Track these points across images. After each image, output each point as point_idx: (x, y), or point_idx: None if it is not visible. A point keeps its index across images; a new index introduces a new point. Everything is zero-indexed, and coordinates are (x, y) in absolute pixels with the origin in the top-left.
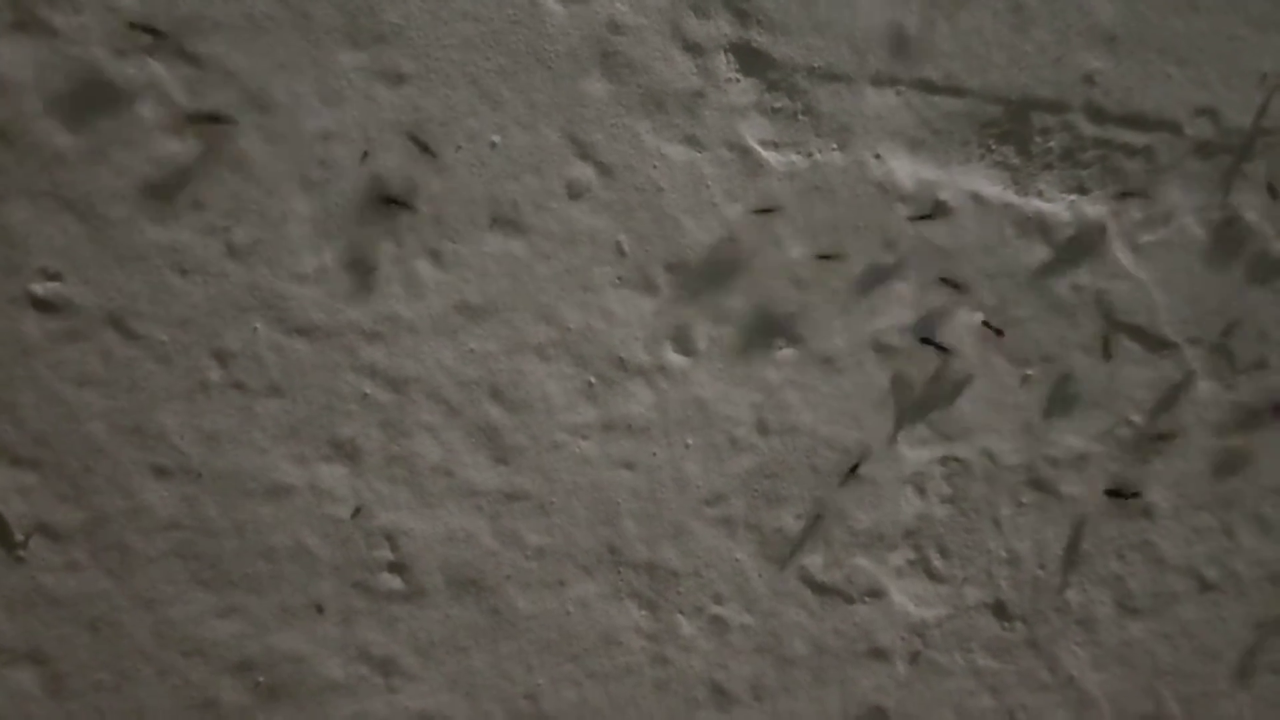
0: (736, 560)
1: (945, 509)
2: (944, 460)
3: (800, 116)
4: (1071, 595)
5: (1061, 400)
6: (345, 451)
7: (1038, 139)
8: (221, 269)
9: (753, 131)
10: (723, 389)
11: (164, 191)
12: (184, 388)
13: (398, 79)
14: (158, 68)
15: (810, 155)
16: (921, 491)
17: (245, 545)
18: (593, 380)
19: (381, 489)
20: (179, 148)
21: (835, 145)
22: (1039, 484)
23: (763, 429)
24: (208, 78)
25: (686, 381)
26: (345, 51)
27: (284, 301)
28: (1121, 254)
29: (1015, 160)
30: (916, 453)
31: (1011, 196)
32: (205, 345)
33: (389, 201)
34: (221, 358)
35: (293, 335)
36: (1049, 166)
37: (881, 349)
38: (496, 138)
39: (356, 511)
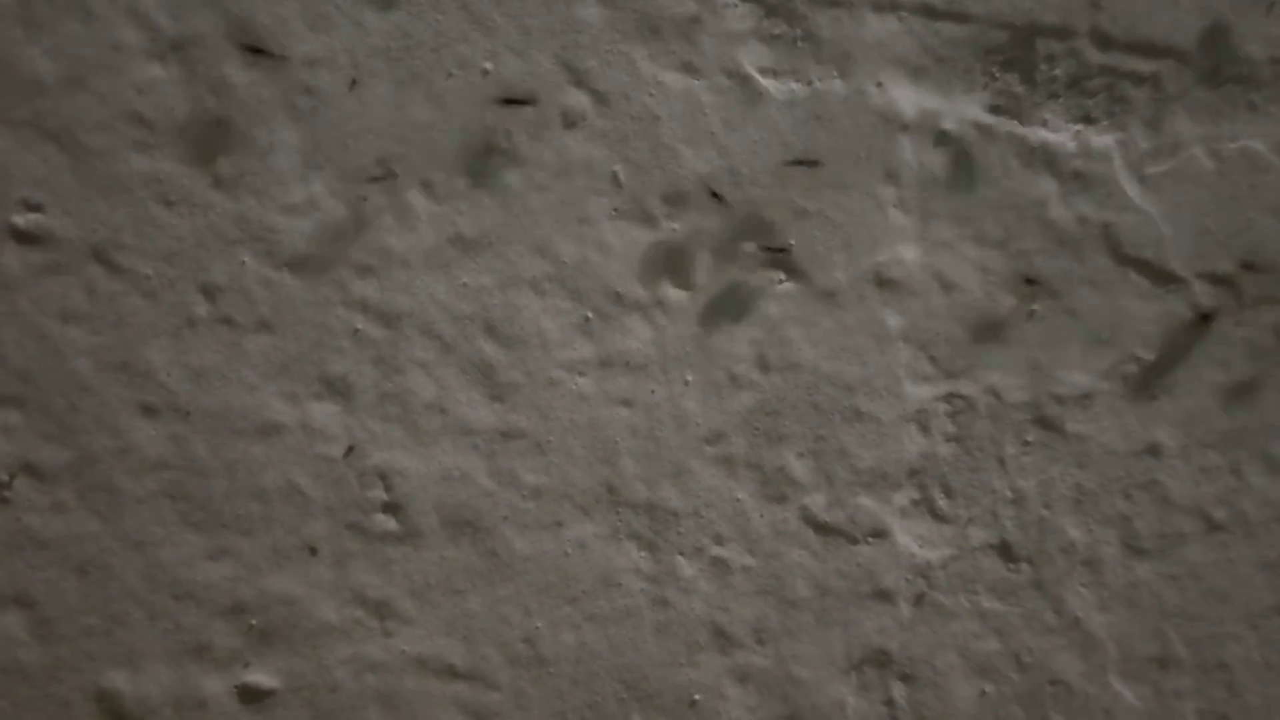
0: (737, 500)
1: (949, 447)
2: (948, 397)
3: (799, 43)
4: (1077, 535)
5: (1068, 336)
6: (337, 389)
7: (1043, 67)
8: (207, 200)
9: (751, 58)
10: (722, 324)
11: (147, 120)
12: (171, 323)
13: (386, 4)
14: None
15: (810, 83)
16: (925, 429)
17: (236, 486)
18: (589, 315)
19: (374, 427)
20: (161, 73)
21: (835, 73)
22: (1044, 422)
23: (763, 365)
24: (188, 1)
25: (685, 317)
26: None
27: (272, 234)
28: (1128, 185)
29: (1020, 89)
30: (920, 390)
31: (1016, 126)
32: (192, 279)
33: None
34: (209, 292)
35: (282, 269)
36: (1054, 95)
37: (883, 283)
38: (488, 64)
39: (349, 450)
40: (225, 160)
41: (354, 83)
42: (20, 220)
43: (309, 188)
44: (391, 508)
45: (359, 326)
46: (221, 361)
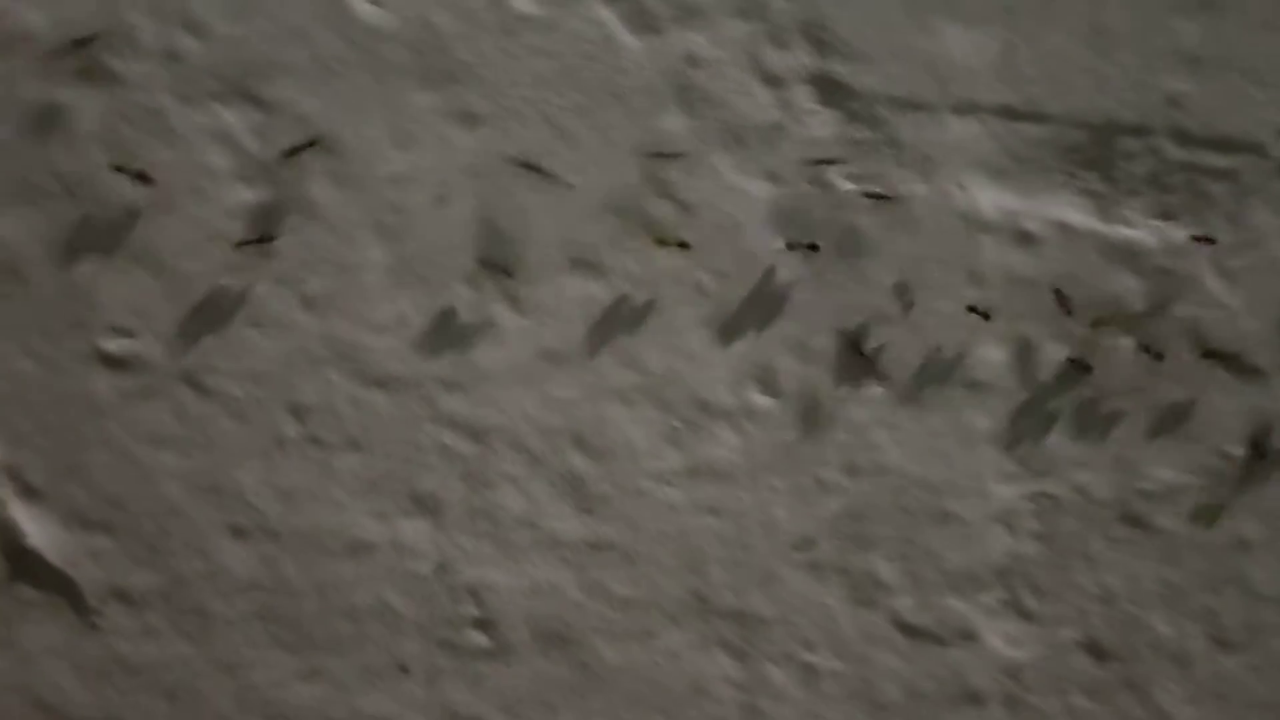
0: (826, 605)
1: (1036, 546)
2: (1034, 496)
3: (882, 148)
4: (1164, 630)
5: (1153, 432)
6: (426, 505)
7: (1122, 164)
8: (296, 320)
9: (834, 165)
10: (809, 430)
11: (236, 243)
12: (260, 444)
13: (471, 120)
14: (226, 114)
15: (893, 187)
16: (1012, 529)
17: (327, 605)
18: (677, 425)
19: (464, 543)
20: (249, 195)
21: (918, 176)
22: (1131, 518)
23: (851, 470)
24: (277, 123)
25: (772, 423)
26: (417, 92)
27: (360, 352)
28: (1210, 280)
29: (1100, 186)
30: (1006, 489)
31: (1097, 224)
32: (281, 400)
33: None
34: (298, 412)
35: (370, 387)
36: (1134, 192)
37: (970, 385)
38: (574, 178)
39: (439, 567)
40: (314, 280)
41: (441, 199)
42: (110, 345)
43: (396, 305)
44: (482, 623)
45: (448, 442)
46: (311, 481)
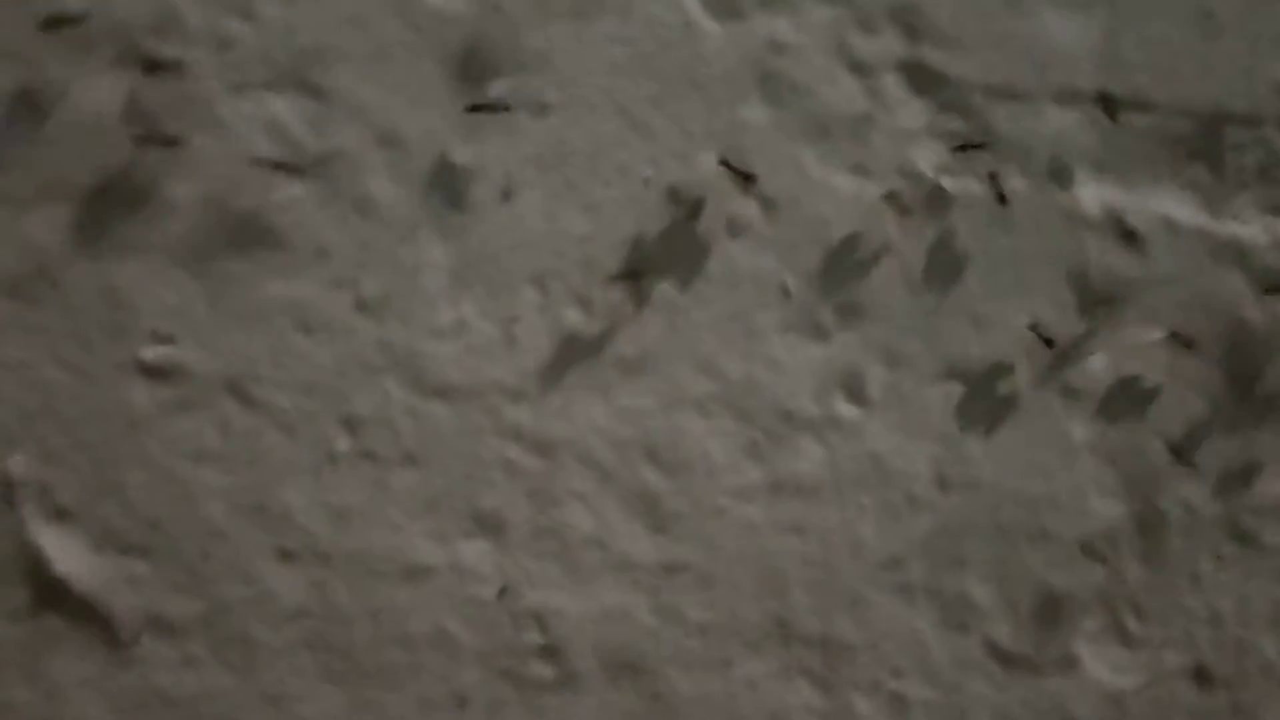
0: (916, 630)
1: (1139, 567)
2: (1137, 513)
3: (978, 139)
4: (1276, 654)
5: (1265, 442)
6: (489, 525)
7: (1231, 156)
8: (349, 325)
9: (926, 157)
10: (899, 442)
11: (285, 241)
12: (310, 460)
13: (540, 109)
14: (278, 103)
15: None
16: (1114, 548)
17: (380, 633)
18: (757, 437)
19: (529, 565)
20: (300, 191)
21: (1015, 169)
22: (1241, 535)
23: (942, 485)
24: (332, 113)
25: (860, 435)
26: (483, 81)
27: (419, 360)
28: None
29: (1207, 180)
30: (1108, 506)
31: (1205, 220)
32: (333, 411)
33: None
34: (351, 425)
35: (429, 397)
36: (1244, 186)
37: (1069, 393)
38: (649, 171)
39: (503, 591)
40: (369, 282)
41: (507, 194)
42: (149, 354)
43: (458, 309)
44: (548, 651)
45: (512, 456)
46: (364, 500)
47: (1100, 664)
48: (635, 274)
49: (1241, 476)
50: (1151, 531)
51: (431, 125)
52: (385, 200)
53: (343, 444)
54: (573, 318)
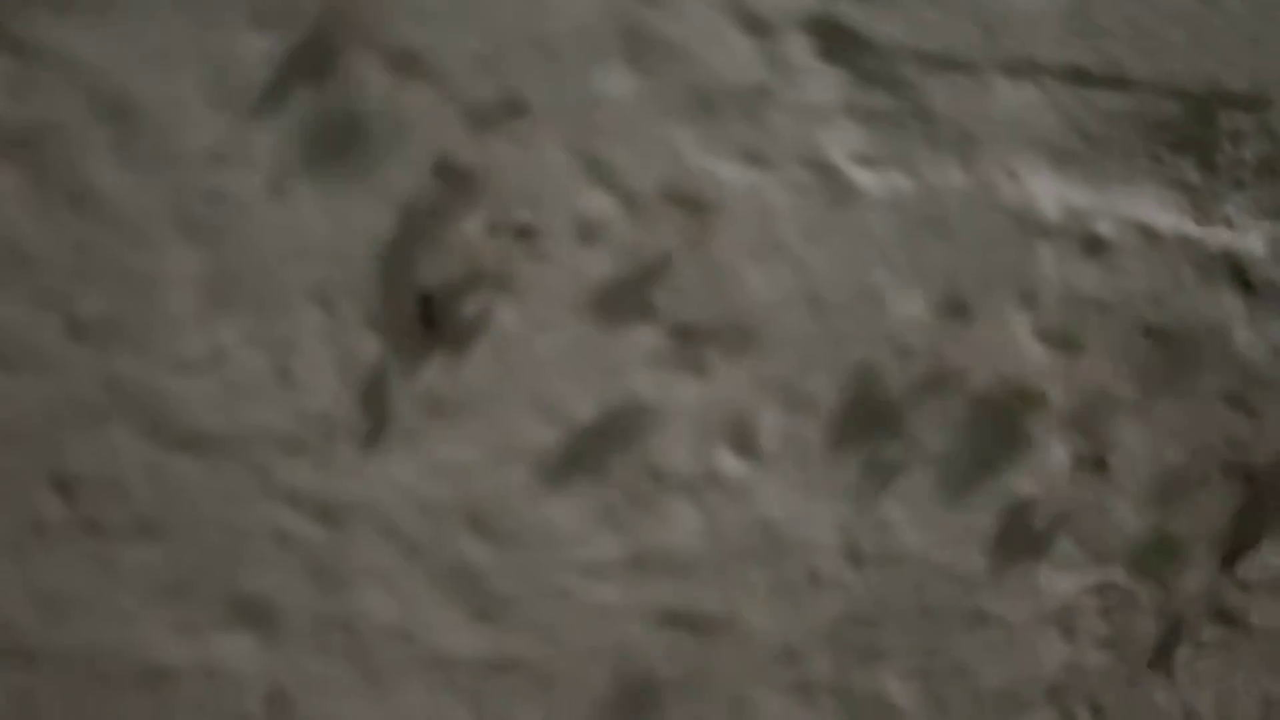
0: None
1: (1101, 655)
2: (1099, 589)
3: (907, 120)
4: None
5: (1256, 502)
6: (254, 614)
7: (1226, 146)
8: (62, 356)
9: (839, 142)
10: (798, 504)
11: None
12: (10, 531)
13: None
14: None
15: (919, 175)
16: (1069, 632)
17: None
18: (615, 499)
19: (309, 665)
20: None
21: (954, 160)
22: (1224, 615)
23: (854, 558)
24: (39, 75)
25: (748, 496)
26: (248, 32)
27: (159, 401)
28: None
29: (1195, 176)
30: (1061, 580)
31: (1190, 226)
32: (41, 469)
33: None
34: (65, 486)
35: (174, 450)
36: (1240, 184)
37: (1014, 442)
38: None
39: (272, 700)
40: (89, 299)
41: (278, 185)
42: None
43: (213, 335)
44: None
45: (286, 526)
46: (84, 583)
47: None
48: (452, 289)
49: (1226, 543)
50: (1115, 612)
51: (176, 92)
52: (111, 190)
53: (54, 510)
54: (368, 345)
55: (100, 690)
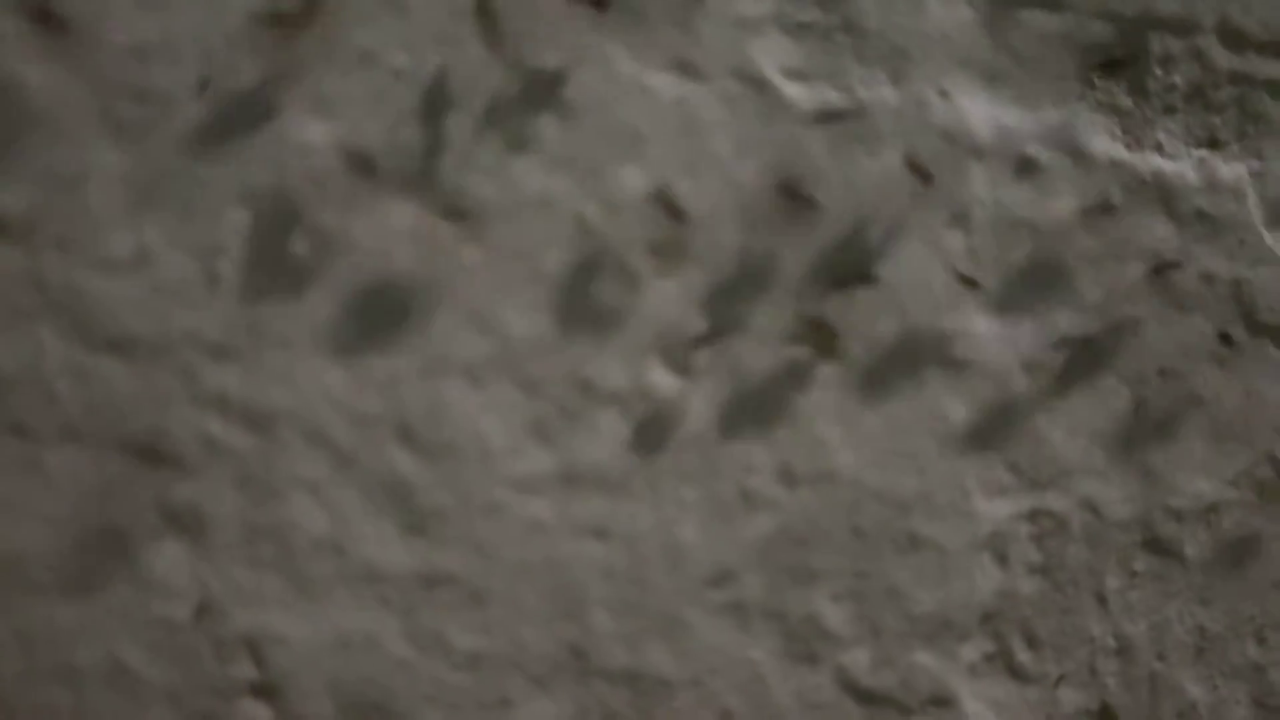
0: (751, 661)
1: (1034, 582)
2: (1032, 515)
3: (837, 35)
4: (1198, 692)
5: (1187, 431)
6: (182, 523)
7: (1158, 72)
8: None
9: (770, 55)
10: (731, 421)
11: None
12: None
13: None
14: None
15: (851, 91)
16: (1003, 559)
17: (33, 666)
18: (547, 412)
19: (239, 576)
20: None
21: (885, 77)
22: (1157, 545)
23: (787, 478)
24: None
25: (680, 412)
26: None
27: (84, 302)
28: (1265, 230)
29: (1127, 101)
30: (995, 506)
31: (1122, 151)
32: None
33: None
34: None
35: (99, 352)
36: (1171, 110)
37: (948, 363)
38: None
39: (201, 611)
40: (9, 196)
41: (205, 82)
42: None
43: (139, 234)
44: (263, 690)
45: (215, 432)
46: (10, 487)
47: (982, 703)
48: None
49: (1158, 472)
50: (1049, 539)
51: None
52: (31, 78)
53: None
54: (298, 247)
55: (26, 599)
